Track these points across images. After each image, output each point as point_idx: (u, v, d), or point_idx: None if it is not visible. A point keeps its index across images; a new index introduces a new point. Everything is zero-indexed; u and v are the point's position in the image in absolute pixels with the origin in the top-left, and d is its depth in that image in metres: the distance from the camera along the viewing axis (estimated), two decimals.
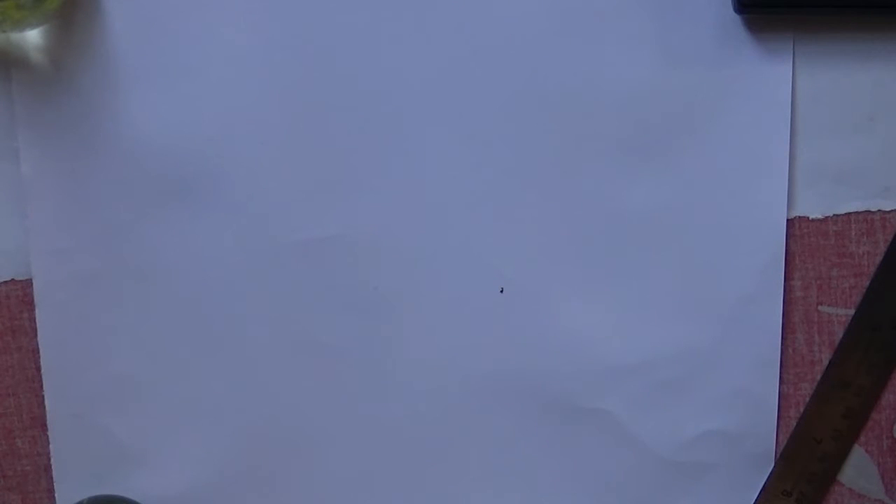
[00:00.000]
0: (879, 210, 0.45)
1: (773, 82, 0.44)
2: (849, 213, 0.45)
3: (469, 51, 0.44)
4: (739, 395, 0.45)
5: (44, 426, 0.45)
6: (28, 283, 0.45)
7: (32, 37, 0.43)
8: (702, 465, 0.46)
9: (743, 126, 0.44)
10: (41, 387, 0.45)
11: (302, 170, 0.44)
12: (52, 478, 0.46)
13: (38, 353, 0.45)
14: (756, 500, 0.46)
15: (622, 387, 0.45)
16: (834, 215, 0.45)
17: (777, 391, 0.46)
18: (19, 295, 0.45)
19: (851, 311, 0.46)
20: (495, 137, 0.44)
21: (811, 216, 0.45)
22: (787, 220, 0.45)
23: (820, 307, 0.46)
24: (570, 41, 0.44)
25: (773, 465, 0.46)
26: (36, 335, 0.45)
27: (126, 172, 0.44)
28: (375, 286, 0.45)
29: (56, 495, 0.46)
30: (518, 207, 0.45)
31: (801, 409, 0.46)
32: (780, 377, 0.46)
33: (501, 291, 0.45)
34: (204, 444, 0.45)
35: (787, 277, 0.45)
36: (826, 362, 0.46)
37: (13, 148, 0.44)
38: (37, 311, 0.45)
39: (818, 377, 0.46)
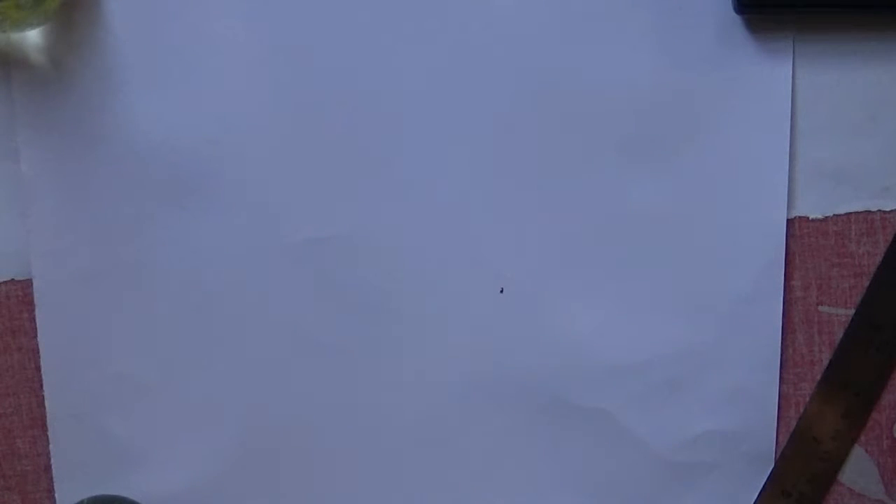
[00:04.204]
0: (879, 210, 0.45)
1: (773, 82, 0.44)
2: (849, 213, 0.45)
3: (469, 51, 0.44)
4: (739, 395, 0.45)
5: (44, 426, 0.45)
6: (28, 283, 0.45)
7: (32, 37, 0.43)
8: (702, 464, 0.46)
9: (743, 126, 0.44)
10: (41, 387, 0.45)
11: (302, 170, 0.44)
12: (52, 478, 0.46)
13: (38, 353, 0.45)
14: (756, 500, 0.46)
15: (622, 387, 0.45)
16: (834, 215, 0.45)
17: (777, 391, 0.46)
18: (19, 295, 0.45)
19: (851, 311, 0.46)
20: (496, 137, 0.44)
21: (811, 216, 0.45)
22: (787, 220, 0.45)
23: (820, 307, 0.46)
24: (571, 41, 0.44)
25: (773, 465, 0.46)
26: (36, 335, 0.45)
27: (126, 172, 0.44)
28: (375, 286, 0.45)
29: (56, 495, 0.45)
30: (518, 208, 0.45)
31: (801, 409, 0.46)
32: (780, 377, 0.46)
33: (501, 291, 0.45)
34: (204, 444, 0.45)
35: (787, 277, 0.45)
36: (826, 362, 0.46)
37: (13, 148, 0.44)
38: (37, 311, 0.45)
39: (818, 377, 0.46)
